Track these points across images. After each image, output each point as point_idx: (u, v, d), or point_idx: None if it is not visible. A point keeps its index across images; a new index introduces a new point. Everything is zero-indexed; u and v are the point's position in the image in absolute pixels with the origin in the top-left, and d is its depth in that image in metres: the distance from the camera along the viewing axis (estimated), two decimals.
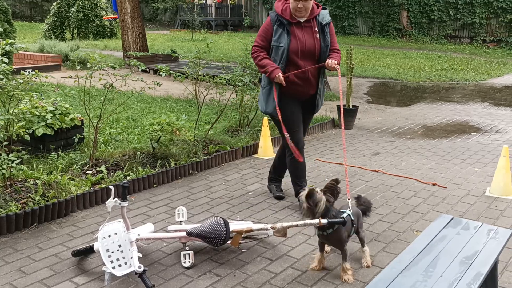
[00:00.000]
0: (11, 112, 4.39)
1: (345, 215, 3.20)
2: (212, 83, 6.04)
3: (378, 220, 4.15)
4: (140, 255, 3.22)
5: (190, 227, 3.45)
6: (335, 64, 4.07)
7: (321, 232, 3.18)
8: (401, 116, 8.35)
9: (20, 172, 4.44)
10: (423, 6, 21.91)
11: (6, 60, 4.38)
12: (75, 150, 5.37)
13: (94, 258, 3.46)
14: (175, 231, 3.56)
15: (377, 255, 3.55)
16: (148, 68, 10.97)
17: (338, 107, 7.42)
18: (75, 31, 20.10)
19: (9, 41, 4.59)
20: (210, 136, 5.98)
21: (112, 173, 4.79)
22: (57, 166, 4.74)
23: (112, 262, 3.09)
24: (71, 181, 4.45)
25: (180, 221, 3.72)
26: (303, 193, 3.13)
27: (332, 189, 3.14)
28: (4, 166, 4.02)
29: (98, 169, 4.82)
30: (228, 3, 28.11)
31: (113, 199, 3.02)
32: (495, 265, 2.87)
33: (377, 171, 5.43)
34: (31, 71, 4.70)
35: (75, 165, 4.84)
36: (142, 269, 2.98)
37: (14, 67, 7.70)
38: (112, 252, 3.12)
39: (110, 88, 4.87)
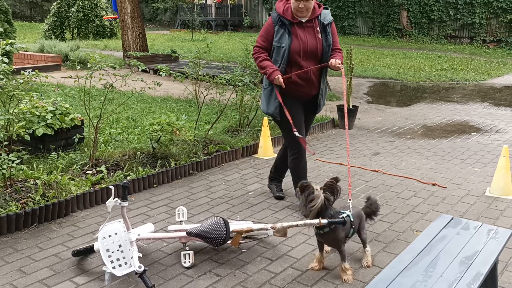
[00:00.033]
0: (11, 112, 4.39)
1: (344, 215, 3.20)
2: (212, 83, 6.04)
3: (378, 220, 4.15)
4: (140, 255, 3.23)
5: (190, 227, 3.46)
6: (339, 64, 4.06)
7: (318, 230, 3.17)
8: (401, 116, 8.35)
9: (20, 172, 4.44)
10: (423, 6, 21.91)
11: (6, 60, 4.38)
12: (75, 150, 5.37)
13: (94, 258, 3.46)
14: (175, 231, 3.56)
15: (377, 255, 3.55)
16: (148, 68, 10.97)
17: (338, 107, 7.42)
18: (75, 31, 20.11)
19: (9, 41, 4.60)
20: (210, 136, 5.99)
21: (112, 173, 4.80)
22: (57, 166, 4.75)
23: (112, 262, 3.09)
24: (71, 181, 4.45)
25: (180, 221, 3.72)
26: (299, 185, 3.13)
27: (332, 188, 3.13)
28: (4, 166, 4.02)
29: (98, 169, 4.82)
30: (228, 3, 28.11)
31: (113, 199, 3.03)
32: (495, 265, 2.87)
33: (377, 171, 5.43)
34: (31, 71, 4.70)
35: (75, 165, 4.85)
36: (142, 269, 2.98)
37: (14, 67, 7.70)
38: (112, 252, 3.13)
39: (110, 88, 4.88)
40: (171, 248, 3.64)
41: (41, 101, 5.23)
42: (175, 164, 5.16)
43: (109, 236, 3.18)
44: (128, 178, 4.72)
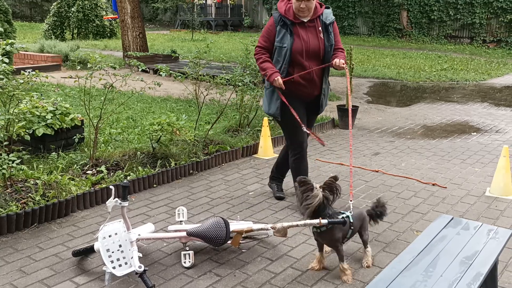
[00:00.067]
0: (11, 112, 4.39)
1: (343, 216, 3.19)
2: (212, 83, 6.04)
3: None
4: (141, 255, 3.23)
5: (190, 227, 3.46)
6: (343, 64, 4.06)
7: (315, 229, 3.17)
8: (401, 116, 8.35)
9: (21, 172, 4.45)
10: (423, 6, 21.91)
11: (7, 60, 4.38)
12: (75, 150, 5.37)
13: (95, 258, 3.46)
14: (175, 231, 3.56)
15: (377, 255, 3.56)
16: (148, 68, 10.97)
17: (338, 107, 7.42)
18: (75, 31, 20.11)
19: (9, 41, 4.60)
20: (210, 136, 5.99)
21: (112, 173, 4.80)
22: (57, 166, 4.75)
23: (112, 262, 3.09)
24: (71, 181, 4.46)
25: (180, 221, 3.72)
26: (297, 179, 3.13)
27: (331, 187, 3.13)
28: (5, 166, 4.03)
29: (98, 169, 4.83)
30: (228, 3, 28.11)
31: (114, 199, 3.03)
32: (495, 265, 2.87)
33: (377, 171, 5.43)
34: (31, 71, 4.70)
35: (75, 165, 4.85)
36: (142, 269, 2.99)
37: (14, 67, 7.70)
38: (113, 252, 3.13)
39: (110, 88, 4.88)
40: (171, 248, 3.64)
41: (41, 101, 5.23)
42: (175, 164, 5.16)
43: (109, 236, 3.18)
44: (128, 178, 4.72)
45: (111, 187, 3.32)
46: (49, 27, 19.43)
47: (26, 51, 13.57)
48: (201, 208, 4.38)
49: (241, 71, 6.44)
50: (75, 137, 5.24)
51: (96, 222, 4.06)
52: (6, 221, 3.78)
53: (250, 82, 6.26)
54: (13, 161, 4.07)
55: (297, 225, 3.25)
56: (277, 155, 5.88)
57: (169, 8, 30.32)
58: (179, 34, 24.41)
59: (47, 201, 4.08)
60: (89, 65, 4.78)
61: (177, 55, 10.96)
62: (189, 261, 3.37)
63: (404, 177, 5.25)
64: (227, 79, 6.23)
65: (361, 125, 7.57)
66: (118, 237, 3.19)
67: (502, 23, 20.34)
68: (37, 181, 4.29)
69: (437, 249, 2.72)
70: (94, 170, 4.84)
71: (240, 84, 6.20)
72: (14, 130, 4.39)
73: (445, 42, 21.43)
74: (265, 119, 5.90)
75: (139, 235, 3.37)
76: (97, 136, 5.07)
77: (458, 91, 10.91)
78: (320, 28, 4.13)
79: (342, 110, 7.33)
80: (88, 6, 19.76)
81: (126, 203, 3.04)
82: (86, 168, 4.86)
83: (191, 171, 5.25)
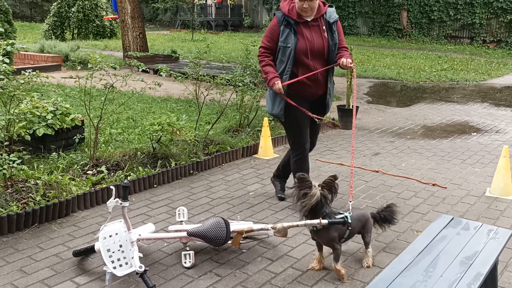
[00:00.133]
0: (12, 112, 4.39)
1: (341, 216, 3.18)
2: (212, 83, 6.05)
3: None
4: (141, 255, 3.23)
5: (190, 227, 3.46)
6: (350, 63, 4.05)
7: (311, 227, 3.17)
8: (401, 116, 8.35)
9: (21, 172, 4.45)
10: (423, 6, 21.91)
11: (7, 61, 4.39)
12: (76, 150, 5.37)
13: (95, 258, 3.47)
14: (176, 231, 3.56)
15: (377, 255, 3.56)
16: (149, 68, 10.96)
17: (339, 107, 7.42)
18: (75, 31, 20.11)
19: (10, 41, 4.60)
20: (210, 136, 5.99)
21: (112, 173, 4.80)
22: (57, 166, 4.75)
23: (113, 262, 3.10)
24: (72, 181, 4.46)
25: (181, 221, 3.72)
26: (296, 175, 3.12)
27: (330, 185, 3.13)
28: (5, 166, 4.03)
29: (98, 169, 4.83)
30: (228, 3, 28.11)
31: (114, 199, 3.03)
32: (495, 265, 2.88)
33: (377, 171, 5.43)
34: (32, 71, 4.71)
35: (75, 165, 4.85)
36: (143, 269, 2.99)
37: (14, 67, 7.71)
38: (113, 252, 3.13)
39: (110, 88, 4.88)
40: (172, 248, 3.64)
41: (42, 101, 5.23)
42: (176, 164, 5.16)
43: (110, 236, 3.19)
44: (129, 178, 4.72)
45: (111, 187, 3.33)
46: (49, 27, 19.43)
47: (27, 51, 13.57)
48: (201, 208, 4.39)
49: (241, 72, 6.44)
50: (75, 137, 5.24)
51: (96, 222, 4.06)
52: (7, 221, 3.78)
53: (250, 82, 6.26)
54: (13, 161, 4.08)
55: (297, 225, 3.26)
56: (277, 155, 5.91)
57: (169, 8, 30.32)
58: (179, 34, 24.42)
59: (48, 201, 4.08)
60: (89, 65, 4.79)
61: (177, 55, 10.97)
62: (190, 261, 3.37)
63: (404, 177, 5.25)
64: (227, 79, 6.23)
65: (361, 125, 7.57)
66: (119, 237, 3.19)
67: (502, 23, 20.33)
68: (38, 181, 4.30)
69: (437, 249, 2.72)
70: (94, 170, 4.85)
71: (240, 84, 6.21)
72: (15, 130, 4.39)
73: (445, 42, 21.43)
74: (265, 119, 5.90)
75: (139, 235, 3.37)
76: (97, 136, 5.07)
77: (458, 91, 10.92)
78: (324, 27, 4.11)
79: (342, 110, 7.33)
80: (88, 6, 19.76)
81: (126, 203, 3.05)
82: (86, 168, 4.86)
83: (191, 171, 5.26)
